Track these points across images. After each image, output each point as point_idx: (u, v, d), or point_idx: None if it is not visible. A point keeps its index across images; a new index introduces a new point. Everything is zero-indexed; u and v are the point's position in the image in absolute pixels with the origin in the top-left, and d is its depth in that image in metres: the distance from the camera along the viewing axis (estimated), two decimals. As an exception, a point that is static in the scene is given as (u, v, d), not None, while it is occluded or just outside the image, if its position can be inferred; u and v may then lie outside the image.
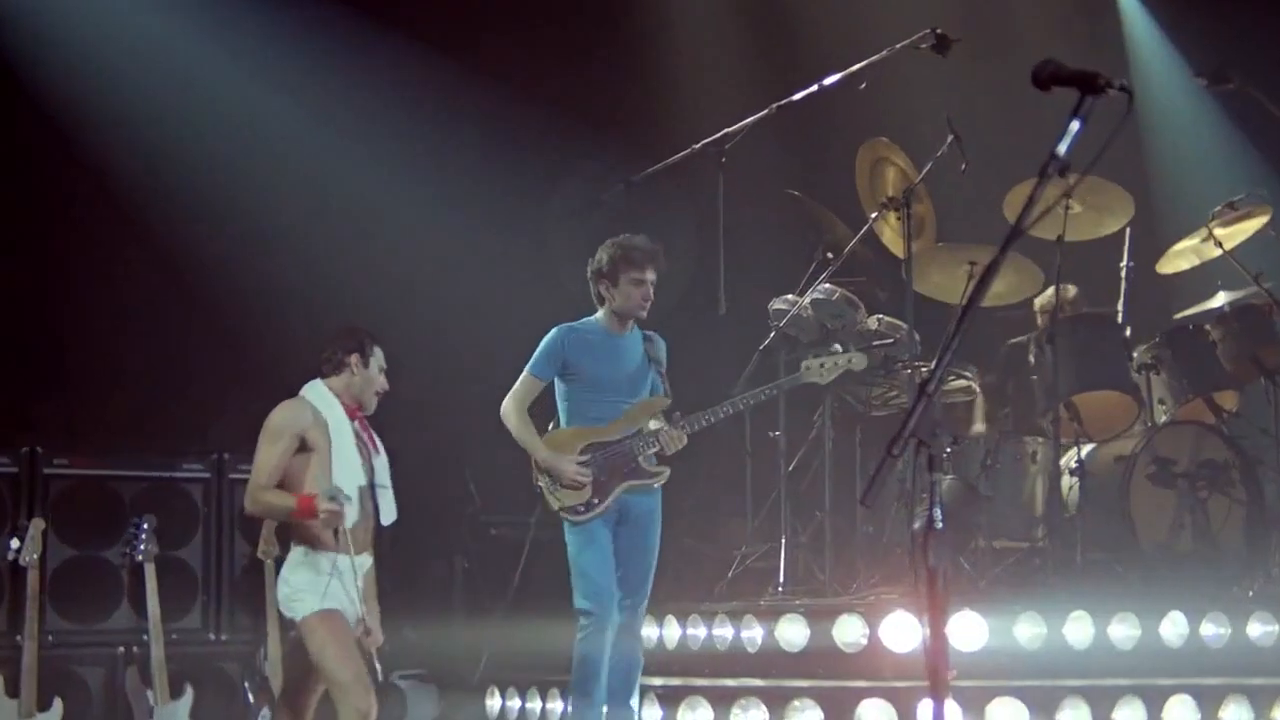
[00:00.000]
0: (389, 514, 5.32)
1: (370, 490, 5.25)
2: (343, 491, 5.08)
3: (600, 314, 6.07)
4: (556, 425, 6.07)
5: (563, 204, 8.21)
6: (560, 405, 6.08)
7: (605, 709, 5.93)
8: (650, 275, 5.96)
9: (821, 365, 6.24)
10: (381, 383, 5.39)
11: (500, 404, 6.08)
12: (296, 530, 5.18)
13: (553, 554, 6.57)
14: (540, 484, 5.97)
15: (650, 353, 6.08)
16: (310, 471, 5.15)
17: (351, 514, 5.11)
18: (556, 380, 6.06)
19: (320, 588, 5.09)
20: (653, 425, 5.97)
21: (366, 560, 5.24)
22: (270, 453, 5.14)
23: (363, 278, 8.60)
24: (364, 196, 8.72)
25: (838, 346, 6.75)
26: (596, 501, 5.91)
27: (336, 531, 5.09)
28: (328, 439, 5.17)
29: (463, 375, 8.46)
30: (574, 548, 5.95)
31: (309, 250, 8.43)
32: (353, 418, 5.29)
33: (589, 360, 5.98)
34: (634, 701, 5.97)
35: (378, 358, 5.39)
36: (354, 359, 5.32)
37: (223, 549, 7.67)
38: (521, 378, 6.03)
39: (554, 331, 6.04)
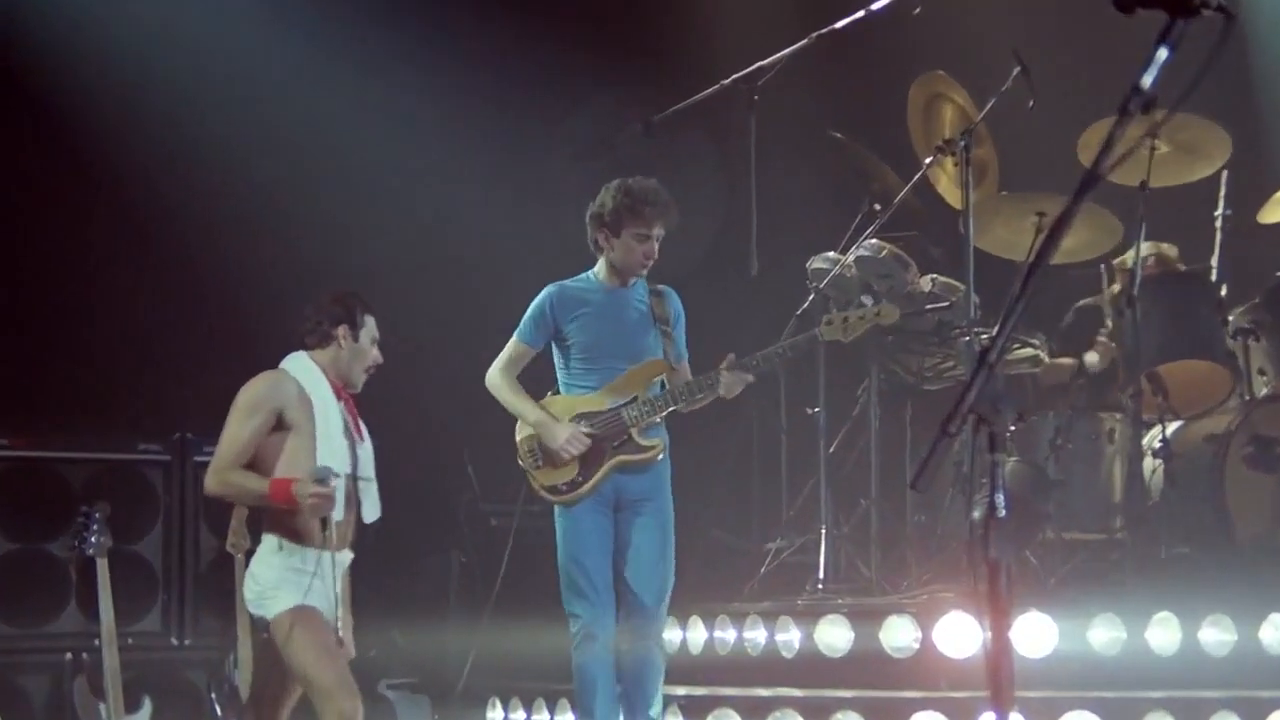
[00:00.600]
0: (372, 510, 5.31)
1: (353, 482, 5.23)
2: (333, 471, 5.06)
3: (598, 266, 6.05)
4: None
5: (571, 148, 8.18)
6: (559, 374, 6.08)
7: None
8: (657, 230, 5.92)
9: (845, 320, 6.14)
10: (374, 356, 5.38)
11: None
12: (270, 519, 5.17)
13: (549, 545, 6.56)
14: (523, 462, 5.98)
15: (656, 310, 6.05)
16: (286, 454, 5.13)
17: (338, 505, 5.11)
18: (552, 345, 6.04)
19: (295, 585, 5.09)
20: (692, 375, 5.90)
21: (347, 557, 5.24)
22: (242, 428, 5.13)
23: (346, 235, 8.59)
24: (348, 144, 8.69)
25: (865, 299, 6.68)
26: (581, 480, 5.90)
27: (325, 521, 5.08)
28: (311, 418, 5.15)
29: (458, 344, 8.43)
30: (561, 540, 5.96)
31: (286, 203, 8.42)
32: (339, 397, 5.27)
33: (583, 321, 5.97)
34: (654, 712, 5.96)
35: (369, 328, 5.37)
36: (342, 330, 5.30)
37: (186, 542, 7.70)
38: (510, 342, 6.05)
39: (543, 292, 6.04)
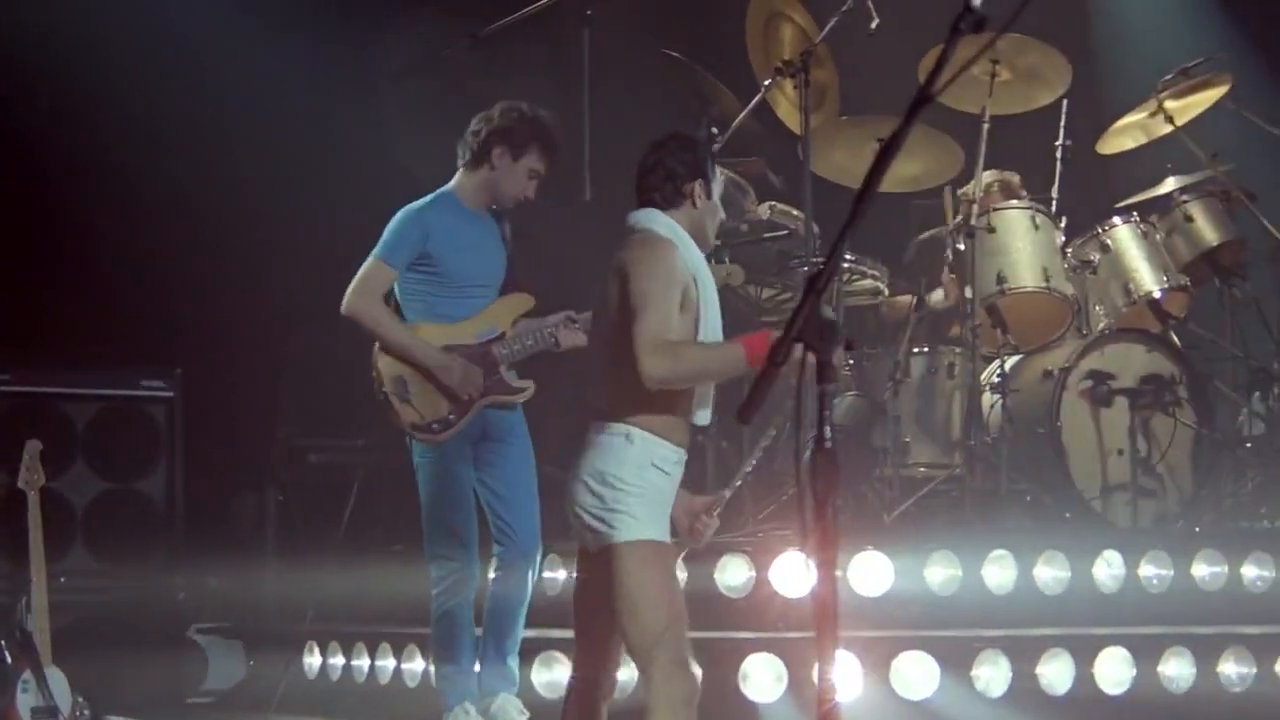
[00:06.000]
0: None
1: None
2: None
3: (460, 183, 5.89)
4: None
5: (394, 61, 8.05)
6: (404, 301, 5.87)
7: (478, 668, 5.87)
8: (544, 169, 5.86)
9: None
10: (722, 214, 4.72)
11: (327, 296, 5.87)
12: (629, 404, 4.38)
13: (382, 484, 6.48)
14: (387, 390, 5.75)
15: (504, 235, 5.98)
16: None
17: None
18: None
19: (656, 501, 4.41)
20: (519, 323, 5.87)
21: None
22: (668, 299, 4.30)
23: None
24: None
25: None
26: (454, 417, 5.76)
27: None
28: (699, 294, 4.43)
29: (274, 267, 8.30)
30: (427, 481, 5.82)
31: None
32: None
33: (452, 247, 5.79)
34: (516, 653, 5.92)
35: (719, 182, 4.67)
36: (697, 186, 4.53)
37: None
38: (370, 266, 5.75)
39: (409, 212, 5.82)
